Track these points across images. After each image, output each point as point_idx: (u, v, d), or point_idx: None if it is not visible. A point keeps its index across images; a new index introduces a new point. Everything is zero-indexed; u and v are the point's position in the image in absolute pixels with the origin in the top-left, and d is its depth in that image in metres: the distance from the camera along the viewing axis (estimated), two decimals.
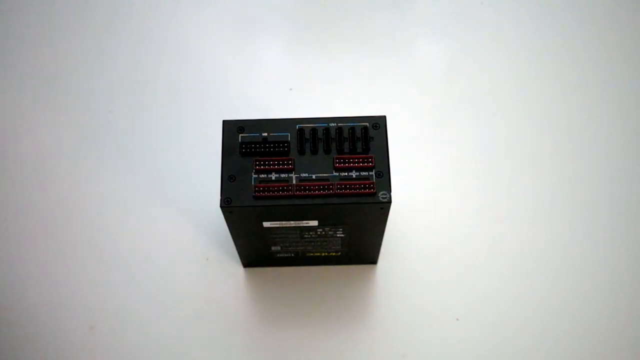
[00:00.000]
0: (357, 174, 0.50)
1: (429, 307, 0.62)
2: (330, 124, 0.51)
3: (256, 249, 0.59)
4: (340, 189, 0.49)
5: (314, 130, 0.51)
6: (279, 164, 0.50)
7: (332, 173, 0.50)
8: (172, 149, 0.70)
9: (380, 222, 0.54)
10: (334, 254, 0.61)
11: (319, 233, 0.55)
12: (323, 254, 0.61)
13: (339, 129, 0.51)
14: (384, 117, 0.51)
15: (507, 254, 0.64)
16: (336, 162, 0.50)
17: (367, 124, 0.51)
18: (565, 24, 0.77)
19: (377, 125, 0.51)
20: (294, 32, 0.78)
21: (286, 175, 0.50)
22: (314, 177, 0.50)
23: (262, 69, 0.74)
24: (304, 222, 0.52)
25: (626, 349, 0.61)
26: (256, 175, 0.49)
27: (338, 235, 0.56)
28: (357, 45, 0.76)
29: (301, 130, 0.51)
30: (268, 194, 0.49)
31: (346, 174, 0.50)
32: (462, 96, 0.72)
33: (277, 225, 0.53)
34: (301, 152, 0.50)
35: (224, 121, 0.51)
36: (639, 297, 0.63)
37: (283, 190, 0.49)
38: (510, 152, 0.69)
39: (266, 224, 0.52)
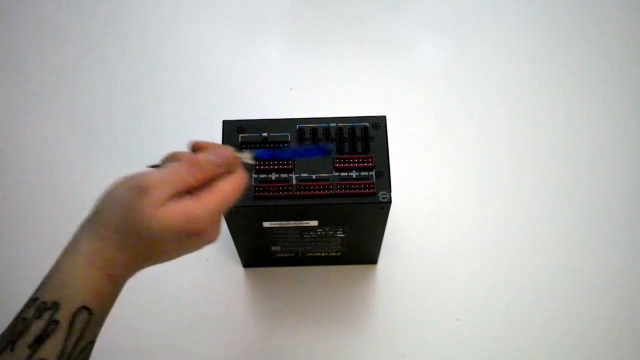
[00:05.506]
0: (357, 174, 0.50)
1: (429, 307, 0.62)
2: (330, 124, 0.51)
3: (256, 249, 0.59)
4: (340, 189, 0.49)
5: (314, 130, 0.51)
6: (279, 164, 0.49)
7: (332, 173, 0.49)
8: (172, 149, 0.69)
9: (380, 222, 0.54)
10: (334, 254, 0.61)
11: (319, 233, 0.55)
12: (323, 254, 0.61)
13: (339, 129, 0.51)
14: (384, 117, 0.51)
15: (507, 254, 0.64)
16: (336, 162, 0.50)
17: (367, 124, 0.51)
18: (564, 24, 0.77)
19: (377, 125, 0.51)
20: (294, 33, 0.78)
21: (286, 175, 0.49)
22: (314, 177, 0.49)
23: (262, 69, 0.74)
24: (304, 222, 0.52)
25: (626, 348, 0.61)
26: (256, 175, 0.49)
27: (338, 235, 0.56)
28: (357, 45, 0.76)
29: (301, 130, 0.51)
30: (268, 194, 0.49)
31: (346, 174, 0.50)
32: (462, 96, 0.72)
33: (277, 225, 0.53)
34: None
35: (224, 121, 0.51)
36: (639, 297, 0.63)
37: (283, 190, 0.49)
38: (510, 152, 0.69)
39: (266, 224, 0.52)
